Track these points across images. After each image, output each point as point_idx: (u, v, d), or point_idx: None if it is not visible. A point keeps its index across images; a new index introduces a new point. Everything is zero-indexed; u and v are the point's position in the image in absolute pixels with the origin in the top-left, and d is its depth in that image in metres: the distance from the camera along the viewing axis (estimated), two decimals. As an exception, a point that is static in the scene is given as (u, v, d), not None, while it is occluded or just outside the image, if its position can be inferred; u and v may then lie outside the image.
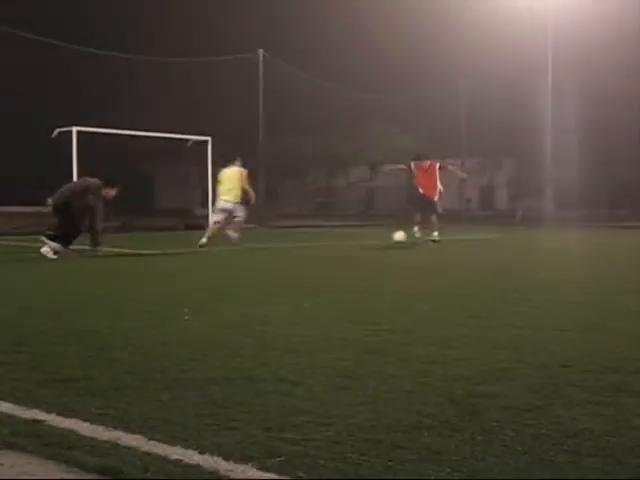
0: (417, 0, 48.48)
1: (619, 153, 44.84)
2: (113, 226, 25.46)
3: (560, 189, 40.03)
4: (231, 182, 17.47)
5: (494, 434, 3.32)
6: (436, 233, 18.99)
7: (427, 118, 49.10)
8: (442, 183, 19.42)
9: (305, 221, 30.51)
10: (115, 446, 3.17)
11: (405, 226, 19.00)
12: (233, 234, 17.37)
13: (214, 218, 18.04)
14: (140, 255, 14.83)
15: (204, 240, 16.85)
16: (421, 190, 19.31)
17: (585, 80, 39.10)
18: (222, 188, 17.58)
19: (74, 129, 23.93)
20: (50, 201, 15.33)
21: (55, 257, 14.08)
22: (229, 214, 17.47)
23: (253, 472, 2.89)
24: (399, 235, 18.20)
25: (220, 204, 17.57)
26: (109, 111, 38.91)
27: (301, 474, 2.87)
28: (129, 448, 3.14)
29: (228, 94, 46.40)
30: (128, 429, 3.39)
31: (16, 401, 3.86)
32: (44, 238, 14.48)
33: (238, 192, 17.42)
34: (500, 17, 39.05)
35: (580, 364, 4.66)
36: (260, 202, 35.50)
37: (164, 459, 3.02)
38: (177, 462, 2.99)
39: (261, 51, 35.02)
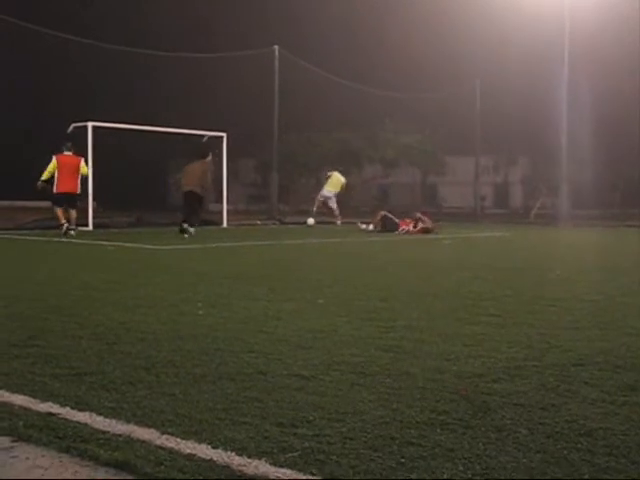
0: (434, -2, 48.41)
1: (634, 152, 44.62)
2: (127, 221, 25.52)
3: (574, 187, 39.82)
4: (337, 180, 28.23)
5: (507, 432, 3.32)
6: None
7: (442, 116, 48.95)
8: None
9: (319, 217, 30.49)
10: (128, 440, 3.18)
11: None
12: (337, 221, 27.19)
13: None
14: (154, 250, 14.87)
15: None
16: None
17: (601, 79, 38.89)
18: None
19: (89, 124, 23.97)
20: None
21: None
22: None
23: (266, 467, 2.90)
24: (310, 220, 26.47)
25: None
26: (123, 107, 38.96)
27: (314, 470, 2.87)
28: (142, 442, 3.16)
29: (243, 90, 46.36)
30: (141, 423, 3.41)
31: (31, 394, 3.88)
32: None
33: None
34: (517, 15, 38.89)
35: (594, 363, 4.64)
36: (274, 198, 35.54)
37: (177, 453, 3.03)
38: (190, 456, 3.00)
39: (277, 47, 34.96)
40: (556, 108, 36.99)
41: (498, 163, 57.71)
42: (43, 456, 3.03)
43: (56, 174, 19.94)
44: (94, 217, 23.74)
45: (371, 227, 23.78)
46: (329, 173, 29.65)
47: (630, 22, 38.78)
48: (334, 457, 2.99)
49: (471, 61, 46.88)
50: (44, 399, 3.78)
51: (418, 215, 23.25)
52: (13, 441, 3.19)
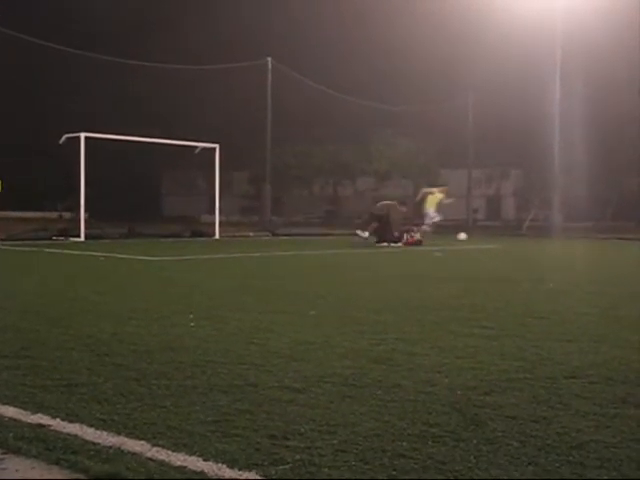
0: (426, 11, 48.58)
1: (627, 166, 44.78)
2: (120, 232, 25.49)
3: (567, 200, 39.92)
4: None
5: (499, 444, 3.31)
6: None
7: (435, 128, 49.09)
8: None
9: (312, 229, 30.51)
10: (119, 452, 3.17)
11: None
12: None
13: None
14: (146, 261, 14.85)
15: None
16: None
17: (594, 92, 39.04)
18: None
19: (82, 135, 23.97)
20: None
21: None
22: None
23: (257, 479, 2.89)
24: (462, 235, 26.13)
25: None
26: (117, 118, 38.98)
27: (305, 482, 2.86)
28: (133, 454, 3.14)
29: (236, 102, 46.44)
30: (132, 435, 3.39)
31: (21, 406, 3.86)
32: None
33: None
34: (508, 28, 39.04)
35: (586, 375, 4.64)
36: (267, 210, 35.56)
37: (168, 465, 3.01)
38: (181, 469, 2.98)
39: (270, 59, 35.03)
40: (549, 120, 37.11)
41: (490, 176, 57.85)
42: (33, 468, 3.01)
43: None
44: (86, 228, 23.72)
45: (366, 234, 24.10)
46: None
47: (625, 32, 38.97)
48: (325, 469, 2.98)
49: (464, 74, 47.04)
50: (34, 411, 3.77)
51: (411, 228, 23.47)
52: (3, 453, 3.17)
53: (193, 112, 49.54)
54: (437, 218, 29.16)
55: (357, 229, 24.93)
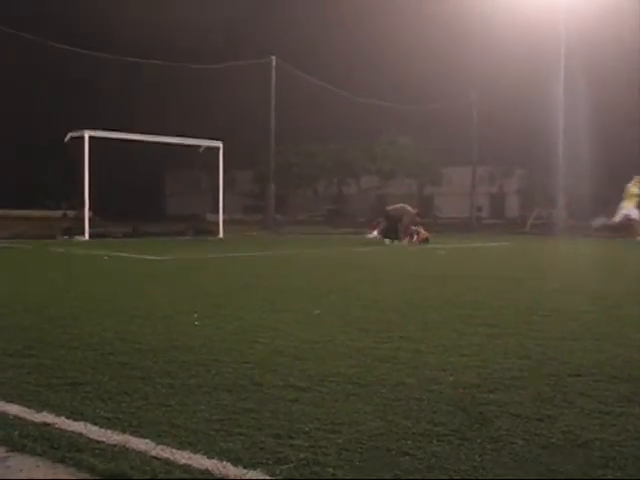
0: (430, 11, 48.49)
1: (631, 163, 44.63)
2: (124, 231, 25.50)
3: (571, 198, 39.83)
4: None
5: (504, 443, 3.31)
6: None
7: (439, 127, 49.02)
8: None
9: (316, 228, 30.49)
10: (124, 450, 3.17)
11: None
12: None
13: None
14: (150, 260, 14.86)
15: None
16: None
17: (598, 90, 38.96)
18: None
19: (86, 134, 23.98)
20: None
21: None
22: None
23: (262, 478, 2.89)
24: None
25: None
26: (120, 116, 38.98)
27: (310, 481, 2.86)
28: (138, 452, 3.15)
29: (240, 100, 46.38)
30: (137, 433, 3.40)
31: (26, 404, 3.87)
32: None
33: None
34: (512, 27, 38.98)
35: (590, 374, 4.64)
36: (271, 208, 35.55)
37: (172, 464, 3.02)
38: (185, 467, 2.99)
39: (274, 58, 35.01)
40: (553, 119, 37.06)
41: (494, 174, 57.77)
42: (38, 466, 3.01)
43: None
44: (90, 227, 23.73)
45: (375, 233, 24.54)
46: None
47: (628, 33, 38.90)
48: (330, 469, 2.98)
49: (468, 72, 46.99)
50: (39, 409, 3.77)
51: (413, 229, 23.53)
52: (8, 451, 3.18)
53: (197, 111, 49.51)
54: (634, 214, 27.70)
55: (372, 230, 25.38)
